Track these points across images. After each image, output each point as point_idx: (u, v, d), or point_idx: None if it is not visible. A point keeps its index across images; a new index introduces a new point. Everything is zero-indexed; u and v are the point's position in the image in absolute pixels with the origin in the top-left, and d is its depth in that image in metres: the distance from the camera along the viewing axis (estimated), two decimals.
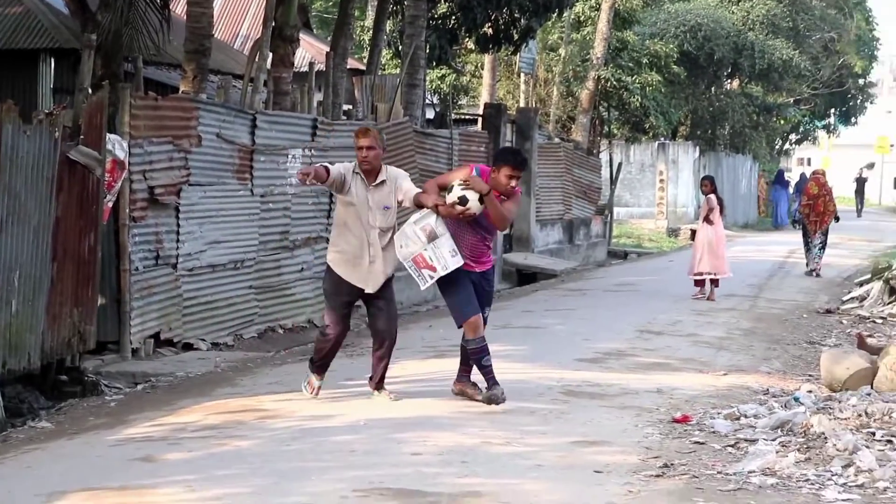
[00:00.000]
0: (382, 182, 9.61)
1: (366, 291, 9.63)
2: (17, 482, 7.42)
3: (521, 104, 33.19)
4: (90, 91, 11.48)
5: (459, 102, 35.83)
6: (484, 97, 31.94)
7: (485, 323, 9.60)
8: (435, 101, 33.49)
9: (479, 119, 25.89)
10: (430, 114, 26.55)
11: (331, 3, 38.46)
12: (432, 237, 9.27)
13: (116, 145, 11.73)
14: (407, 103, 20.31)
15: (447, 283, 9.50)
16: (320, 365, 10.00)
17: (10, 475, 7.67)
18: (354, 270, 9.59)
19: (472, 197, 9.25)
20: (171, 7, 14.94)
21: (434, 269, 9.31)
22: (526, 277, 23.64)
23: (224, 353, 13.11)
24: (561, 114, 35.22)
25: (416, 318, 16.04)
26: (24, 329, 10.40)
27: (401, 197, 9.60)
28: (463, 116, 29.67)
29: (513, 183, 9.40)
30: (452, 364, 11.10)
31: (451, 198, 9.29)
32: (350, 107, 19.38)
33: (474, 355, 9.55)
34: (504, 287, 21.79)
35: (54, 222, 10.80)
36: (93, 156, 11.22)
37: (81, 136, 11.12)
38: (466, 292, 9.46)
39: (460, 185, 9.31)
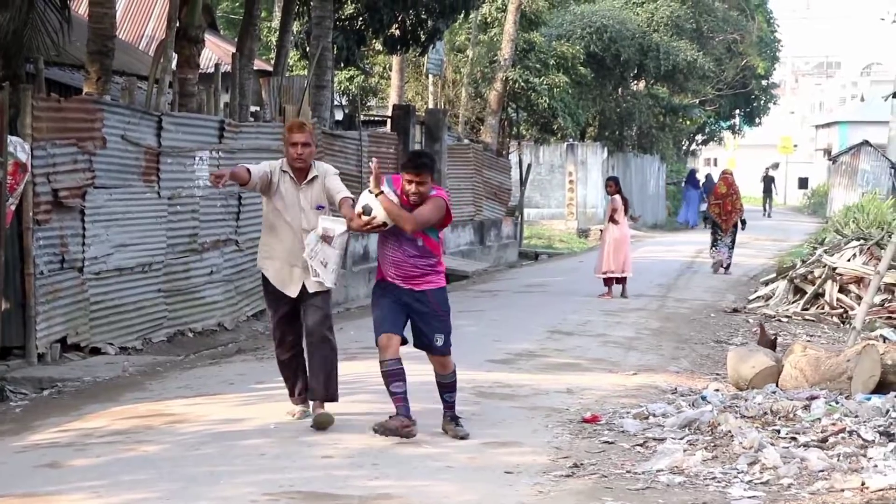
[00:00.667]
0: (314, 179, 9.01)
1: (309, 292, 8.96)
2: None
3: (430, 105, 33.19)
4: None
5: (368, 104, 35.79)
6: (392, 98, 31.91)
7: (438, 352, 8.76)
8: (343, 102, 33.41)
9: (388, 120, 25.87)
10: (338, 115, 26.49)
11: (237, 4, 38.15)
12: (327, 241, 8.80)
13: (18, 147, 11.54)
14: (315, 105, 20.23)
15: (373, 297, 8.95)
16: (290, 388, 9.27)
17: None
18: (288, 277, 9.01)
19: (376, 205, 8.57)
20: (71, 7, 14.67)
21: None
22: None
23: (132, 357, 12.96)
24: (470, 115, 35.30)
25: None
26: None
27: (329, 197, 9.03)
28: (372, 118, 29.69)
29: (412, 188, 8.58)
30: (363, 367, 11.08)
31: (357, 208, 8.68)
32: (257, 108, 19.26)
33: (384, 378, 8.64)
34: None
35: None
36: None
37: None
38: (383, 311, 8.72)
39: (370, 192, 8.67)
